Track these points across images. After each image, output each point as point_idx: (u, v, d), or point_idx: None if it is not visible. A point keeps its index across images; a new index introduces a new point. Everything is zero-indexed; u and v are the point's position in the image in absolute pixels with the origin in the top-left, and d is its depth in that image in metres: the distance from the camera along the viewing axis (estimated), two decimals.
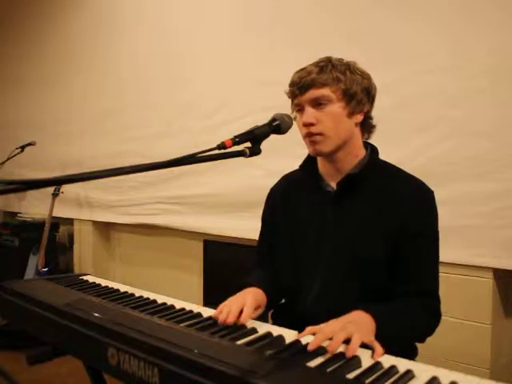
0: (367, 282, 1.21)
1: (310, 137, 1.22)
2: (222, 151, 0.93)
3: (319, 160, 1.32)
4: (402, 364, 0.83)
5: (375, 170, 1.27)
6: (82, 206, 4.03)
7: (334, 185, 1.29)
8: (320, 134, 1.21)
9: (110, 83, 3.83)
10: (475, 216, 2.06)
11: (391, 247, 1.20)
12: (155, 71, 3.46)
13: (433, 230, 1.26)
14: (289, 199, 1.38)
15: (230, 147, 0.95)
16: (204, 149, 0.90)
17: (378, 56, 2.22)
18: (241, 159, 1.00)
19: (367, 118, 1.29)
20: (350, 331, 0.93)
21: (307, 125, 1.21)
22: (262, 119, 1.09)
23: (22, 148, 3.91)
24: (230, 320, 1.05)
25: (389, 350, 0.92)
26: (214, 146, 0.92)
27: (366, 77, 1.26)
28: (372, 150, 1.31)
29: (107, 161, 3.64)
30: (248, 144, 1.01)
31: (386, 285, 1.21)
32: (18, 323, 1.28)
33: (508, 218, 1.98)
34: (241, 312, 1.09)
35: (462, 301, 2.10)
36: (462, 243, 2.09)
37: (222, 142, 0.94)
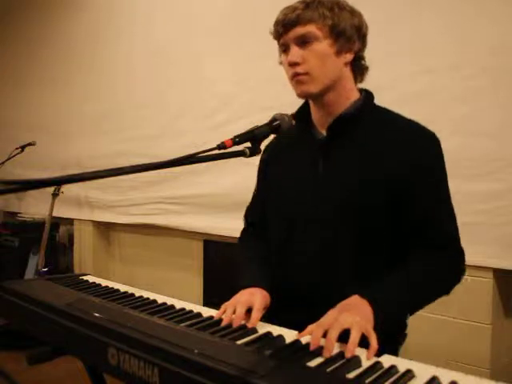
0: (366, 232, 1.14)
1: (296, 77, 1.15)
2: (222, 151, 0.93)
3: (312, 107, 1.25)
4: (402, 364, 0.83)
5: (371, 113, 1.20)
6: (82, 206, 4.03)
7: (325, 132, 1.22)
8: (306, 73, 1.14)
9: (110, 83, 3.83)
10: (475, 216, 2.06)
11: (393, 195, 1.13)
12: (155, 71, 3.46)
13: (443, 171, 1.17)
14: (281, 153, 1.32)
15: (229, 147, 0.95)
16: (204, 149, 0.90)
17: (379, 54, 2.21)
18: (241, 159, 1.00)
19: (358, 58, 1.20)
20: (346, 324, 0.92)
21: (292, 64, 1.14)
22: (262, 119, 1.09)
23: (22, 148, 3.91)
24: (236, 323, 1.03)
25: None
26: (214, 145, 0.92)
27: (356, 14, 1.18)
28: (367, 94, 1.23)
29: (107, 161, 3.64)
30: (248, 144, 1.01)
31: (386, 235, 1.15)
32: (17, 323, 1.28)
33: (508, 217, 1.98)
34: (246, 313, 1.07)
35: (462, 301, 2.10)
36: (462, 243, 2.09)
37: (222, 142, 0.93)
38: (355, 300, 1.02)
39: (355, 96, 1.21)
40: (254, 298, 1.12)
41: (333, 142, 1.19)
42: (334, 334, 0.90)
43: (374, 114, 1.20)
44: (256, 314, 1.07)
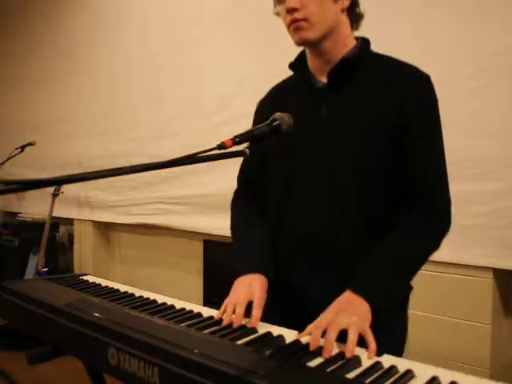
0: (368, 176, 1.13)
1: (294, 23, 1.14)
2: (222, 151, 0.92)
3: (308, 56, 1.24)
4: (402, 364, 0.83)
5: (369, 58, 1.19)
6: (82, 206, 4.03)
7: (325, 80, 1.20)
8: (304, 19, 1.13)
9: (110, 83, 3.83)
10: (475, 216, 2.06)
11: (392, 137, 1.12)
12: (155, 71, 3.46)
13: (437, 115, 1.16)
14: (278, 108, 1.29)
15: (229, 147, 0.95)
16: (204, 149, 0.90)
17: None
18: (241, 159, 1.00)
19: (354, 4, 1.19)
20: (343, 325, 0.93)
21: (290, 11, 1.13)
22: None
23: (22, 148, 3.92)
24: (237, 323, 1.03)
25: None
26: (214, 145, 0.91)
27: None
28: (364, 41, 1.23)
29: (107, 161, 3.64)
30: (248, 144, 1.01)
31: (388, 180, 1.14)
32: (18, 323, 1.28)
33: (508, 218, 1.98)
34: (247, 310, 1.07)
35: (462, 301, 2.10)
36: (462, 243, 2.09)
37: (222, 142, 0.93)
38: (349, 298, 1.02)
39: (352, 43, 1.21)
40: (253, 290, 1.12)
41: (334, 87, 1.17)
42: (332, 335, 0.91)
43: (371, 59, 1.20)
44: (256, 311, 1.07)
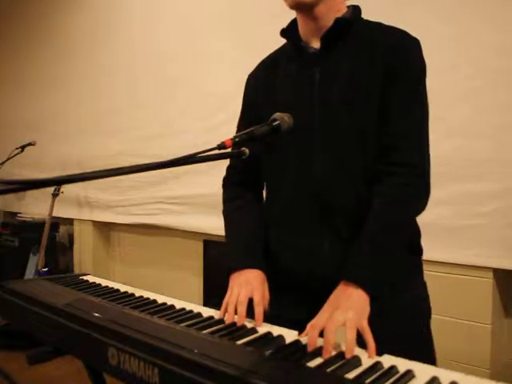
0: (368, 145, 1.13)
1: None
2: (222, 151, 0.92)
3: (300, 23, 1.24)
4: (402, 364, 0.83)
5: (360, 24, 1.21)
6: (82, 206, 4.03)
7: (317, 45, 1.20)
8: None
9: (110, 83, 3.83)
10: (475, 216, 2.06)
11: (380, 106, 1.12)
12: (155, 71, 3.46)
13: (418, 85, 1.15)
14: (269, 79, 1.28)
15: (229, 147, 0.95)
16: (204, 149, 0.90)
17: None
18: None
19: None
20: (340, 324, 0.93)
21: None
22: None
23: (22, 148, 3.92)
24: (240, 323, 1.04)
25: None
26: (214, 145, 0.92)
27: None
28: (355, 8, 1.24)
29: (107, 161, 3.64)
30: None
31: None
32: (18, 323, 1.28)
33: (508, 218, 1.98)
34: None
35: (462, 301, 2.10)
36: (462, 243, 2.09)
37: (222, 142, 0.93)
38: (345, 290, 1.01)
39: (344, 10, 1.22)
40: (252, 287, 1.12)
41: (326, 51, 1.18)
42: (330, 336, 0.90)
43: (362, 25, 1.21)
44: (258, 309, 1.07)
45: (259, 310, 1.07)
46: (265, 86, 1.29)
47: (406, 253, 1.16)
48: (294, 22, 1.27)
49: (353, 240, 1.08)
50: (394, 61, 1.12)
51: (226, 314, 1.08)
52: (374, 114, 1.13)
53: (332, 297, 1.02)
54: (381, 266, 1.05)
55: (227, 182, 1.40)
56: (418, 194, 1.14)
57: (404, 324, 1.15)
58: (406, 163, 1.12)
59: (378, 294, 1.01)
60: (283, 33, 1.27)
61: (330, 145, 1.16)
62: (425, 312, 1.23)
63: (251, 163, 1.27)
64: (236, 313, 1.07)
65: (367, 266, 1.04)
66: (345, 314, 0.95)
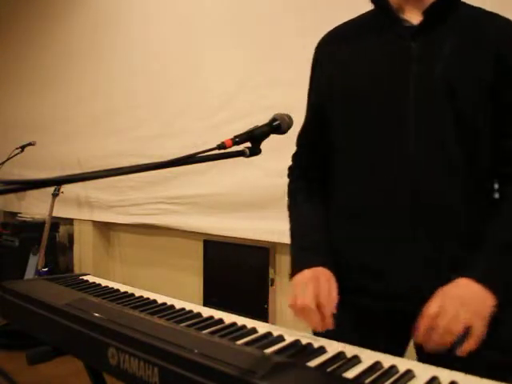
0: (467, 124, 1.01)
1: None
2: (222, 151, 0.92)
3: None
4: (402, 364, 0.83)
5: (461, 5, 1.10)
6: (82, 206, 4.03)
7: (413, 18, 1.08)
8: None
9: (110, 83, 3.83)
10: None
11: (491, 96, 1.02)
12: (155, 71, 3.46)
13: None
14: (352, 47, 1.13)
15: (229, 147, 0.95)
16: (204, 149, 0.90)
17: None
18: (241, 159, 1.00)
19: None
20: (465, 326, 0.85)
21: None
22: (263, 119, 1.09)
23: (22, 148, 3.92)
24: (320, 329, 0.95)
25: None
26: (214, 146, 0.92)
27: None
28: None
29: (107, 161, 3.64)
30: (248, 144, 1.01)
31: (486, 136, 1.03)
32: (18, 323, 1.28)
33: None
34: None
35: None
36: None
37: (222, 142, 0.93)
38: (470, 289, 0.91)
39: None
40: (319, 290, 0.98)
41: (429, 26, 1.06)
42: (449, 340, 0.85)
43: (463, 7, 1.10)
44: (328, 313, 0.97)
45: (328, 317, 0.96)
46: (344, 58, 1.14)
47: None
48: None
49: (458, 257, 0.95)
50: (508, 53, 1.03)
51: (313, 323, 0.97)
52: (481, 103, 1.02)
53: (452, 290, 0.91)
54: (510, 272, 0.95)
55: (293, 174, 1.26)
56: None
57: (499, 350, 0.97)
58: None
59: (501, 301, 0.91)
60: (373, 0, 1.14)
61: (426, 128, 1.03)
62: None
63: (320, 150, 1.17)
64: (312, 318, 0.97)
65: (498, 269, 0.94)
66: (474, 320, 0.87)
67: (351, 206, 1.11)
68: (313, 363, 0.84)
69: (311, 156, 1.23)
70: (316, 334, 0.98)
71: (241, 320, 1.07)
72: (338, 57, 1.15)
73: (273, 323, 2.71)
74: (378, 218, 1.06)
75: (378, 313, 1.06)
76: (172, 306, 1.18)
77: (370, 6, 1.16)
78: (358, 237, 1.09)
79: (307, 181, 1.22)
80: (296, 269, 1.07)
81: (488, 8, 1.11)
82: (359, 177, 1.10)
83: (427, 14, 1.07)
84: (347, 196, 1.12)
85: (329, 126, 1.16)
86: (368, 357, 0.88)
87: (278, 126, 1.04)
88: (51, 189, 3.61)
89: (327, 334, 0.95)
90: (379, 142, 1.07)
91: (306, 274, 1.04)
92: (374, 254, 1.06)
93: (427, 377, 0.78)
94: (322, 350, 0.89)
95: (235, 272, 2.97)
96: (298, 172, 1.25)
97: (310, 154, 1.23)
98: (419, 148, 1.02)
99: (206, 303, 3.05)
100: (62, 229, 4.25)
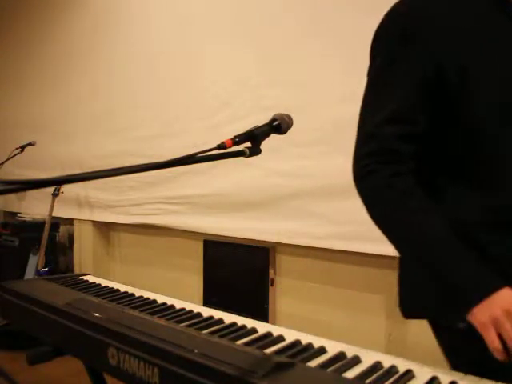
0: None
1: None
2: (222, 151, 0.93)
3: None
4: (402, 364, 0.83)
5: None
6: (82, 206, 4.03)
7: None
8: None
9: (111, 83, 3.83)
10: None
11: None
12: (155, 71, 3.46)
13: None
14: (474, 23, 0.96)
15: (229, 147, 0.95)
16: (204, 149, 0.90)
17: None
18: (240, 159, 1.00)
19: None
20: None
21: None
22: (263, 119, 1.09)
23: (22, 148, 3.92)
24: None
25: None
26: (214, 146, 0.92)
27: None
28: None
29: (107, 161, 3.64)
30: (248, 144, 1.01)
31: None
32: (18, 323, 1.28)
33: None
34: None
35: None
36: None
37: (222, 142, 0.93)
38: None
39: None
40: None
41: None
42: None
43: None
44: None
45: None
46: (455, 34, 0.96)
47: None
48: None
49: None
50: None
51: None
52: None
53: None
54: None
55: (397, 168, 0.94)
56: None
57: None
58: None
59: None
60: None
61: None
62: None
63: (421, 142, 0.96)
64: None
65: None
66: None
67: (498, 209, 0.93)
68: (313, 363, 0.84)
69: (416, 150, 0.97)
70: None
71: (241, 320, 1.07)
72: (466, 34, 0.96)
73: (273, 323, 2.71)
74: None
75: None
76: (172, 306, 1.18)
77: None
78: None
79: (413, 179, 0.95)
80: (477, 299, 0.83)
81: None
82: (497, 177, 0.94)
83: None
84: (502, 207, 0.93)
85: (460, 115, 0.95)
86: (368, 357, 0.88)
87: (277, 125, 1.04)
88: (51, 189, 3.61)
89: None
90: None
91: (495, 300, 0.82)
92: None
93: (427, 377, 0.78)
94: (322, 350, 0.89)
95: (235, 272, 2.97)
96: (401, 166, 0.95)
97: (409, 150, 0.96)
98: None
99: (206, 303, 3.05)
100: (62, 229, 4.25)
